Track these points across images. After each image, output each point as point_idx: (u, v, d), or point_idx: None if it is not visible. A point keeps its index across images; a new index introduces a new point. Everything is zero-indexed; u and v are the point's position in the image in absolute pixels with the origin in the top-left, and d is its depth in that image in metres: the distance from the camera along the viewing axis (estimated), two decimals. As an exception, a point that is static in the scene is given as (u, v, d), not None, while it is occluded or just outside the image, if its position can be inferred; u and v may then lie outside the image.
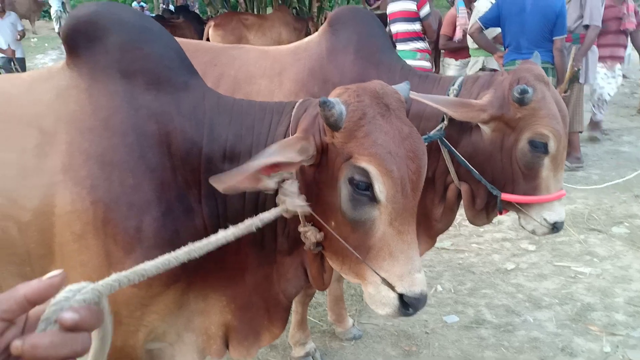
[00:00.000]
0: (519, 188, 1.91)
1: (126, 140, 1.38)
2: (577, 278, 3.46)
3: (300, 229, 1.39)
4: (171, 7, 13.93)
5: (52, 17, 17.43)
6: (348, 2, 11.21)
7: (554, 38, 4.44)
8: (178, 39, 2.54)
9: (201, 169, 1.44)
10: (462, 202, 2.09)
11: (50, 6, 17.27)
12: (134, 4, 19.88)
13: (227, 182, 1.24)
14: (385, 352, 2.75)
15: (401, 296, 1.26)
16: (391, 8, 5.23)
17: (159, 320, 1.49)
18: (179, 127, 1.44)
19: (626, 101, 8.50)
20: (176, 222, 1.41)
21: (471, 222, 2.13)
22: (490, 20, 4.64)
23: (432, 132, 1.96)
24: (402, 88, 1.49)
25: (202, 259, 1.39)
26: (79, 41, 1.48)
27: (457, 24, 6.05)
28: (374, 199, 1.26)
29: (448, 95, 1.98)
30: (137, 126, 1.40)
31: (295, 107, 1.47)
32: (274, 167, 1.26)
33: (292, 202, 1.27)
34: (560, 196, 1.93)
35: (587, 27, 4.98)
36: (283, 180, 1.29)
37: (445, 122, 1.95)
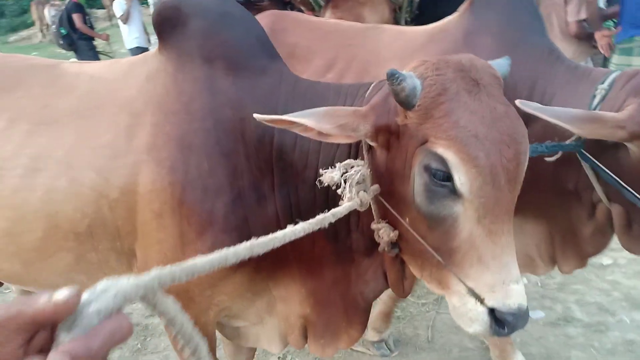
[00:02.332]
0: None
1: (204, 125, 1.42)
2: (685, 278, 3.14)
3: (373, 226, 1.29)
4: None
5: (149, 3, 18.41)
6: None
7: None
8: (320, 20, 2.65)
9: (273, 157, 1.44)
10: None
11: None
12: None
13: (270, 117, 1.18)
14: (462, 344, 2.66)
15: (492, 311, 1.07)
16: None
17: (229, 300, 1.54)
18: (253, 114, 1.45)
19: None
20: (247, 208, 1.42)
21: (627, 249, 1.75)
22: None
23: (567, 141, 1.61)
24: (499, 63, 1.28)
25: (277, 248, 1.43)
26: (165, 27, 1.55)
27: None
28: (455, 192, 1.08)
29: (594, 95, 1.62)
30: (215, 112, 1.43)
31: (371, 87, 1.38)
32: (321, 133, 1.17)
33: (355, 192, 1.18)
34: None
35: None
36: (349, 169, 1.21)
37: None
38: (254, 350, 2.12)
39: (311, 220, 1.00)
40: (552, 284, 3.15)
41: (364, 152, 1.27)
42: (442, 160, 1.07)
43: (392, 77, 1.09)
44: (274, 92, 1.48)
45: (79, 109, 1.54)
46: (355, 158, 1.30)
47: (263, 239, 0.89)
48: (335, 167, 1.21)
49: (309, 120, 1.14)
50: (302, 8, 10.20)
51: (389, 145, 1.20)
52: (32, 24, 18.68)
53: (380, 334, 2.62)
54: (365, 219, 1.36)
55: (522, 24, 1.88)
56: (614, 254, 3.43)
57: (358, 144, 1.32)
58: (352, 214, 1.34)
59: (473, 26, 1.94)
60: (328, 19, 8.45)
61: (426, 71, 1.14)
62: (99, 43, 8.17)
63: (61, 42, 7.66)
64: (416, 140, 1.12)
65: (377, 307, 2.58)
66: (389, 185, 1.22)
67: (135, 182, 1.42)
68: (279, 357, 2.63)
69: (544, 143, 1.60)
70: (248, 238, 1.46)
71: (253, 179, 1.45)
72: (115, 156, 1.45)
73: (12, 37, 19.76)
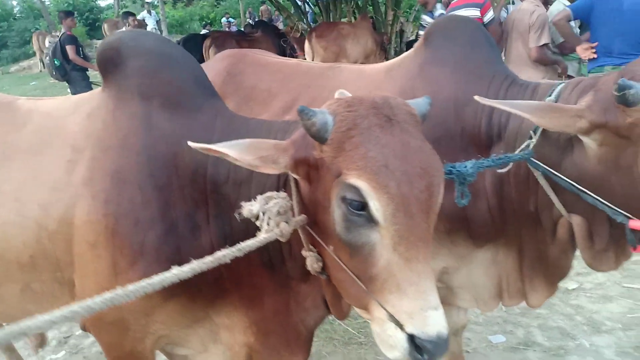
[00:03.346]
0: None
1: (139, 159, 1.49)
2: (648, 302, 3.17)
3: (303, 253, 1.34)
4: (251, 22, 14.53)
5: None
6: (418, 12, 11.02)
7: None
8: (279, 61, 2.56)
9: (207, 189, 1.50)
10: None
11: (147, 25, 18.69)
12: (224, 20, 21.03)
13: (201, 146, 1.22)
14: (422, 369, 2.69)
15: (412, 337, 1.09)
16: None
17: (165, 328, 1.58)
18: (187, 149, 1.51)
19: None
20: (180, 239, 1.48)
21: (591, 267, 1.71)
22: (580, 10, 4.15)
23: (515, 152, 1.63)
24: (418, 102, 1.35)
25: (216, 277, 1.48)
26: (107, 66, 1.64)
27: None
28: (371, 220, 1.12)
29: None
30: (150, 147, 1.50)
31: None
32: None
33: (275, 224, 1.22)
34: None
35: None
36: (268, 202, 1.25)
37: (534, 138, 1.60)
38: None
39: (206, 259, 1.07)
40: (516, 308, 3.18)
41: (291, 183, 1.32)
42: (356, 190, 1.12)
43: (302, 112, 1.16)
44: (209, 128, 1.55)
45: (29, 145, 1.63)
46: (285, 189, 1.35)
47: (175, 270, 1.01)
48: (256, 200, 1.26)
49: (232, 151, 1.20)
50: (296, 47, 10.39)
51: (309, 178, 1.25)
52: (34, 54, 19.07)
53: None
54: (296, 247, 1.40)
55: (477, 54, 1.93)
56: (580, 278, 3.47)
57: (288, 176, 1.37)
58: (285, 244, 1.40)
59: (429, 60, 1.98)
60: (312, 46, 8.61)
61: (338, 108, 1.21)
62: (92, 73, 8.37)
63: (54, 72, 7.86)
64: (332, 172, 1.18)
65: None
66: (313, 216, 1.28)
67: (72, 215, 1.50)
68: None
69: (489, 157, 1.63)
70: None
71: (187, 210, 1.50)
72: (56, 190, 1.53)
73: (14, 67, 20.15)
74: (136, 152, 1.51)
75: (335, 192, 1.17)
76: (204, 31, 15.24)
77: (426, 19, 5.95)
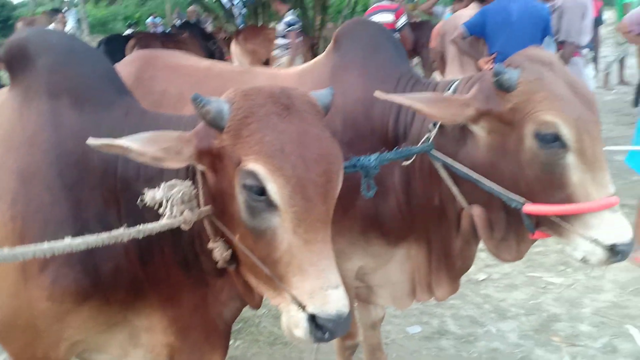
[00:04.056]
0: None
1: (46, 158, 1.46)
2: (548, 288, 3.47)
3: (210, 245, 1.36)
4: (178, 23, 14.21)
5: (68, 34, 17.89)
6: (353, 17, 11.30)
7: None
8: (191, 64, 2.47)
9: (118, 188, 1.49)
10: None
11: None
12: (149, 19, 20.40)
13: (101, 142, 1.22)
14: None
15: (314, 317, 1.13)
16: None
17: (81, 334, 1.54)
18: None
19: (627, 109, 8.39)
20: None
21: (496, 257, 1.77)
22: (474, 27, 4.51)
23: (417, 145, 1.70)
24: (321, 93, 1.40)
25: (132, 279, 1.50)
26: (13, 64, 1.60)
27: None
28: (271, 204, 1.17)
29: None
30: (58, 145, 1.47)
31: None
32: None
33: (179, 212, 1.24)
34: (609, 205, 1.45)
35: (562, 43, 4.74)
36: (172, 189, 1.26)
37: (433, 131, 1.68)
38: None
39: (103, 234, 1.11)
40: (431, 300, 3.39)
41: (198, 175, 1.35)
42: (254, 175, 1.17)
43: (195, 101, 1.19)
44: (119, 124, 1.54)
45: None
46: (193, 182, 1.36)
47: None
48: (159, 187, 1.28)
49: (135, 144, 1.21)
50: (225, 49, 10.26)
51: (214, 168, 1.28)
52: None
53: None
54: (207, 241, 1.42)
55: (382, 56, 2.00)
56: (489, 269, 3.74)
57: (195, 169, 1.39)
58: (196, 238, 1.44)
59: (338, 63, 2.03)
60: (239, 49, 8.56)
61: (235, 97, 1.25)
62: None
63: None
64: (233, 161, 1.21)
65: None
66: (219, 205, 1.31)
67: None
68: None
69: (392, 150, 1.70)
70: (93, 270, 1.51)
71: (98, 210, 1.48)
72: None
73: None
74: (44, 150, 1.47)
75: (237, 179, 1.21)
76: (128, 31, 14.71)
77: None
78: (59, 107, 1.52)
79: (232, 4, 12.21)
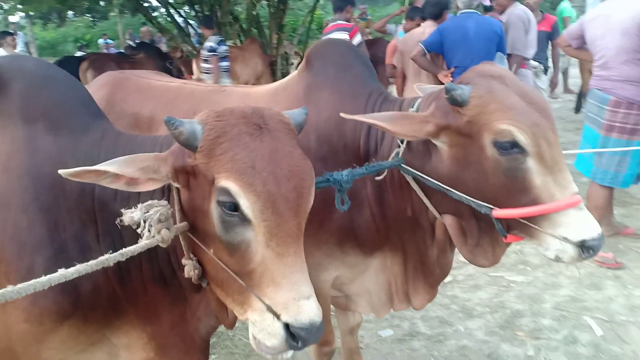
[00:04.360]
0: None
1: (22, 183, 1.47)
2: (510, 287, 3.64)
3: (183, 261, 1.39)
4: (133, 44, 14.04)
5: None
6: (308, 35, 11.48)
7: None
8: (162, 84, 2.46)
9: (95, 209, 1.51)
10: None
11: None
12: (100, 40, 20.05)
13: (73, 170, 1.23)
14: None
15: (288, 326, 1.18)
16: None
17: (59, 354, 1.53)
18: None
19: (573, 116, 8.88)
20: (70, 261, 1.43)
21: (473, 263, 1.82)
22: (432, 44, 4.74)
23: (388, 160, 1.78)
24: (294, 112, 1.46)
25: (110, 297, 1.50)
26: None
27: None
28: (244, 219, 1.22)
29: None
30: (33, 169, 1.49)
31: None
32: (132, 179, 1.29)
33: (156, 231, 1.26)
34: (573, 203, 1.51)
35: (509, 55, 5.03)
36: (150, 210, 1.29)
37: (402, 147, 1.75)
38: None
39: (90, 262, 1.12)
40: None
41: (173, 193, 1.38)
42: (226, 192, 1.21)
43: (168, 123, 1.24)
44: (95, 148, 1.56)
45: None
46: (169, 201, 1.40)
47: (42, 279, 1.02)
48: (137, 207, 1.31)
49: (112, 167, 1.25)
50: (182, 69, 10.17)
51: (189, 186, 1.33)
52: None
53: None
54: (182, 256, 1.44)
55: (352, 74, 2.04)
56: (454, 271, 3.87)
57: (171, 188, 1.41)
58: (172, 254, 1.47)
59: (312, 82, 2.07)
60: (199, 70, 8.53)
61: (207, 118, 1.30)
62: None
63: None
64: (207, 178, 1.26)
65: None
66: (194, 222, 1.35)
67: None
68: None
69: (363, 166, 1.76)
70: (72, 290, 1.51)
71: (76, 231, 1.49)
72: None
73: None
74: (18, 175, 1.48)
75: (212, 196, 1.26)
76: (79, 53, 14.42)
77: None
78: (34, 132, 1.54)
79: (188, 23, 12.17)
